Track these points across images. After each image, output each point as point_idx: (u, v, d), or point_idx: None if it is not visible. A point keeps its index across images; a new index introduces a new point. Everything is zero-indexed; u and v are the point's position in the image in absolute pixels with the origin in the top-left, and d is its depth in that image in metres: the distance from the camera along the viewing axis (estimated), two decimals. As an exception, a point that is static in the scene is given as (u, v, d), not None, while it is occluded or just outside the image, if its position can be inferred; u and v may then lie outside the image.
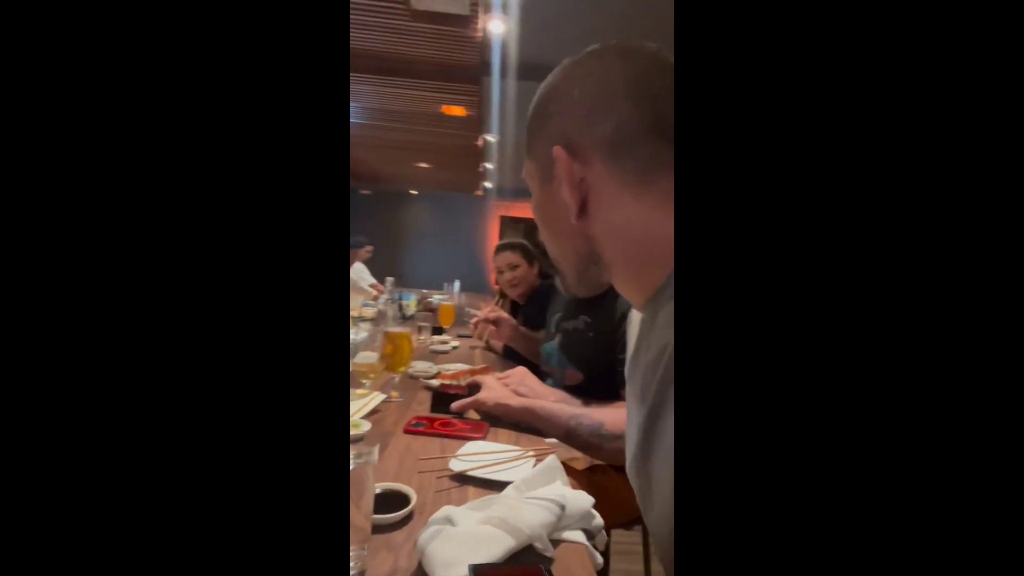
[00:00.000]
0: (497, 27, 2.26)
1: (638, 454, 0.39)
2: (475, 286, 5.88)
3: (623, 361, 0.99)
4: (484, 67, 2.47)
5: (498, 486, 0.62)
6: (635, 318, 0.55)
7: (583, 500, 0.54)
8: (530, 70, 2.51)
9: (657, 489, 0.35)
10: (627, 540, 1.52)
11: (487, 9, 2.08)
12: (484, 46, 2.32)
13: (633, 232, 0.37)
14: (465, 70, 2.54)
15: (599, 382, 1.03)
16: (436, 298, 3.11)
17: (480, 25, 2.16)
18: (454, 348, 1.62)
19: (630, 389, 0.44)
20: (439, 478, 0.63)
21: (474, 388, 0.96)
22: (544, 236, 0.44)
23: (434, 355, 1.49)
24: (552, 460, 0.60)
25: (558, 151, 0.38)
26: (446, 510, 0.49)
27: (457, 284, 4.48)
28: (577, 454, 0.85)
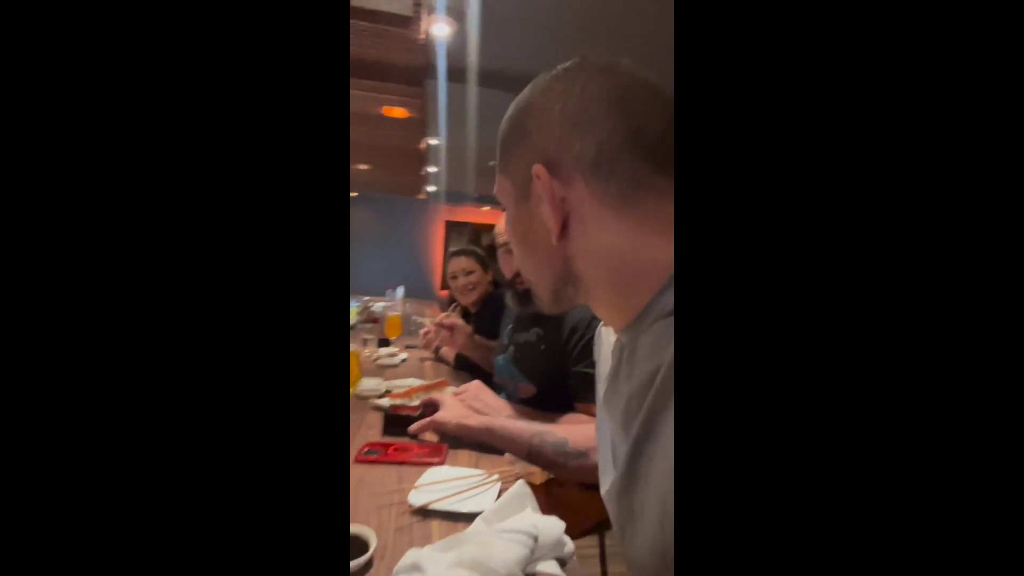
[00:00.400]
0: (441, 29, 2.22)
1: (619, 483, 0.37)
2: (419, 292, 5.76)
3: (576, 374, 1.00)
4: (429, 70, 2.42)
5: (465, 518, 0.58)
6: (606, 337, 0.54)
7: (554, 527, 0.52)
8: (477, 75, 2.49)
9: (641, 519, 0.34)
10: (583, 544, 1.53)
11: (431, 11, 2.03)
12: (428, 48, 2.27)
13: (614, 254, 0.36)
14: (406, 72, 2.46)
15: (552, 394, 1.02)
16: (379, 306, 2.99)
17: (423, 27, 2.11)
18: (403, 361, 1.55)
19: (608, 415, 0.42)
20: (400, 514, 0.59)
21: (428, 407, 0.91)
22: (519, 254, 0.42)
23: (382, 370, 1.41)
24: (520, 487, 0.58)
25: (539, 169, 0.36)
26: (412, 555, 0.45)
27: (400, 290, 4.36)
28: (535, 469, 0.83)
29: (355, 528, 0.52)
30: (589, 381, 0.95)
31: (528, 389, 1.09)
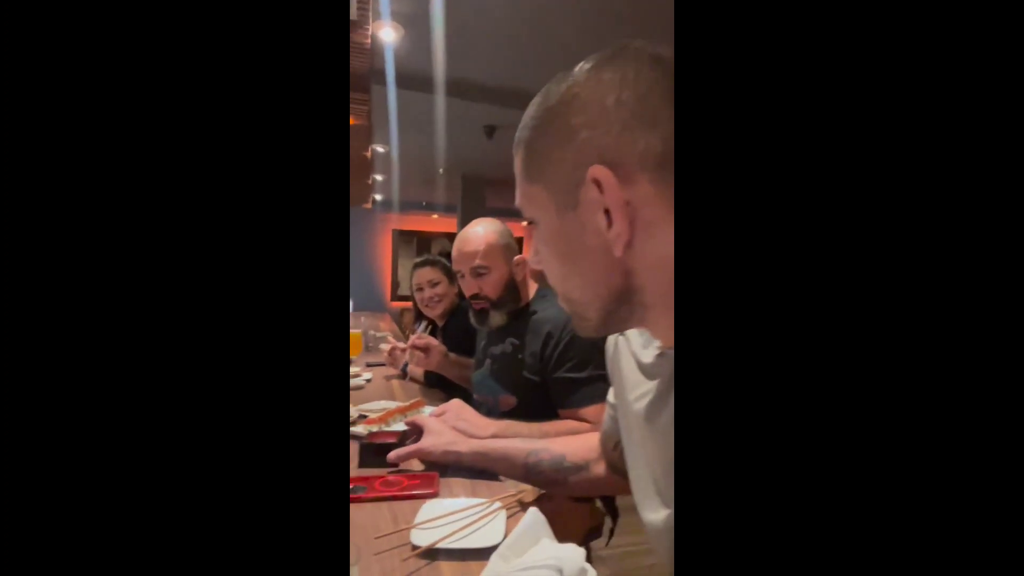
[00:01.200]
0: (388, 35, 2.15)
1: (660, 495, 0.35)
2: (369, 305, 5.56)
3: (558, 380, 0.97)
4: (375, 76, 2.33)
5: (475, 554, 0.54)
6: (626, 349, 0.51)
7: (576, 557, 0.50)
8: (426, 80, 2.44)
9: None
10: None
11: (376, 16, 1.96)
12: (374, 54, 2.19)
13: None
14: (352, 77, 2.37)
15: (533, 403, 1.01)
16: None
17: (370, 32, 2.03)
18: (367, 381, 1.46)
19: (657, 440, 0.41)
20: (404, 560, 0.54)
21: (410, 431, 0.86)
22: (560, 274, 0.37)
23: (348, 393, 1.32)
24: (533, 515, 0.55)
25: (600, 172, 0.32)
26: (436, 611, 0.41)
27: (350, 304, 4.19)
28: (526, 487, 0.80)
29: (362, 584, 0.46)
30: (571, 385, 0.94)
31: (508, 401, 1.07)
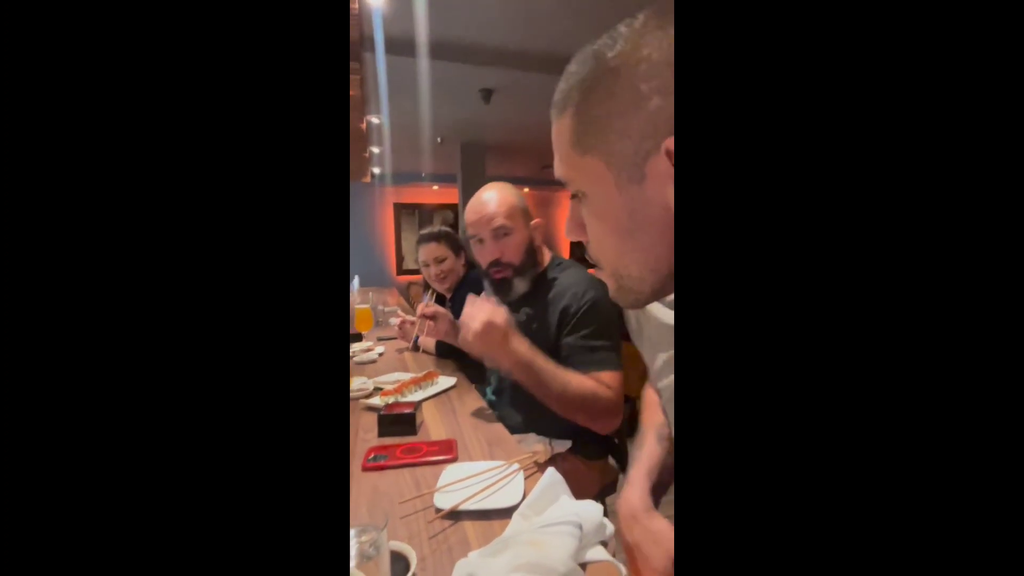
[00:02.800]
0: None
1: None
2: (375, 280, 5.58)
3: (576, 345, 0.95)
4: (365, 42, 2.25)
5: (497, 514, 0.57)
6: (651, 314, 0.50)
7: (595, 512, 0.52)
8: (420, 45, 2.34)
9: None
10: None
11: (362, -23, 1.87)
12: (363, 19, 2.10)
13: None
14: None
15: None
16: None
17: (356, -5, 1.94)
18: (380, 355, 1.49)
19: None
20: (430, 522, 0.56)
21: (413, 415, 0.87)
22: (619, 249, 0.35)
23: (361, 367, 1.35)
24: (551, 475, 0.57)
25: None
26: (463, 568, 0.43)
27: (356, 280, 4.19)
28: (539, 448, 0.82)
29: (392, 545, 0.49)
30: (588, 350, 0.93)
31: None
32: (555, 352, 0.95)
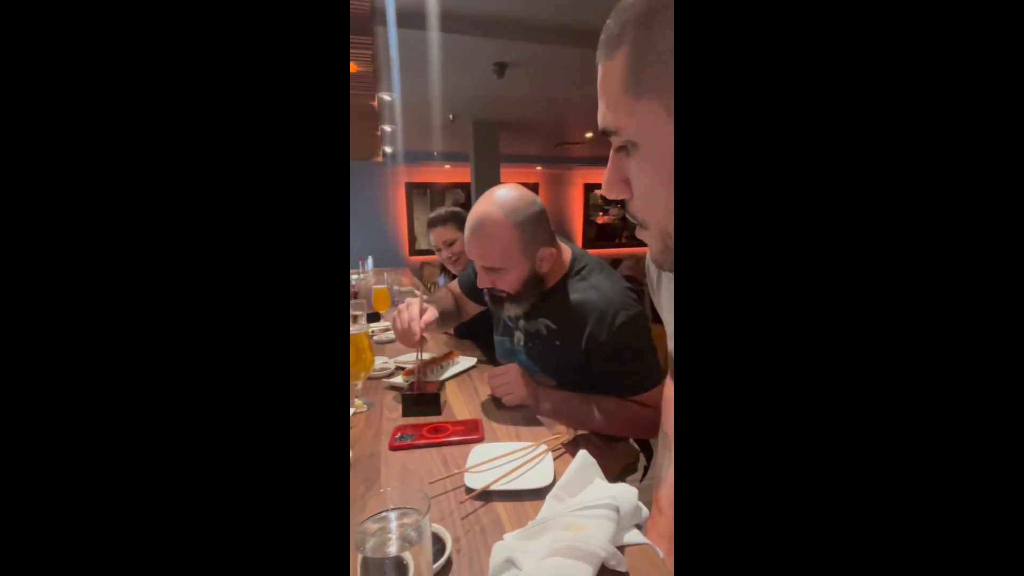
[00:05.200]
0: (386, -32, 1.99)
1: None
2: (389, 260, 5.59)
3: (616, 374, 0.86)
4: (376, 16, 2.18)
5: (528, 495, 0.56)
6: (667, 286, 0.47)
7: (630, 494, 0.51)
8: (423, 18, 2.27)
9: None
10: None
11: (372, -54, 1.80)
12: (374, -10, 2.03)
13: None
14: (353, 19, 2.22)
15: (572, 384, 0.92)
16: (352, 279, 2.88)
17: (366, -35, 1.87)
18: (399, 335, 1.49)
19: None
20: (461, 502, 0.56)
21: (438, 392, 0.86)
22: (671, 205, 0.31)
23: (381, 346, 1.35)
24: (584, 457, 0.56)
25: None
26: (501, 551, 0.43)
27: (370, 261, 4.19)
28: (562, 429, 0.81)
29: (425, 526, 0.48)
30: (629, 378, 0.87)
31: (547, 383, 0.96)
32: (586, 369, 0.90)
